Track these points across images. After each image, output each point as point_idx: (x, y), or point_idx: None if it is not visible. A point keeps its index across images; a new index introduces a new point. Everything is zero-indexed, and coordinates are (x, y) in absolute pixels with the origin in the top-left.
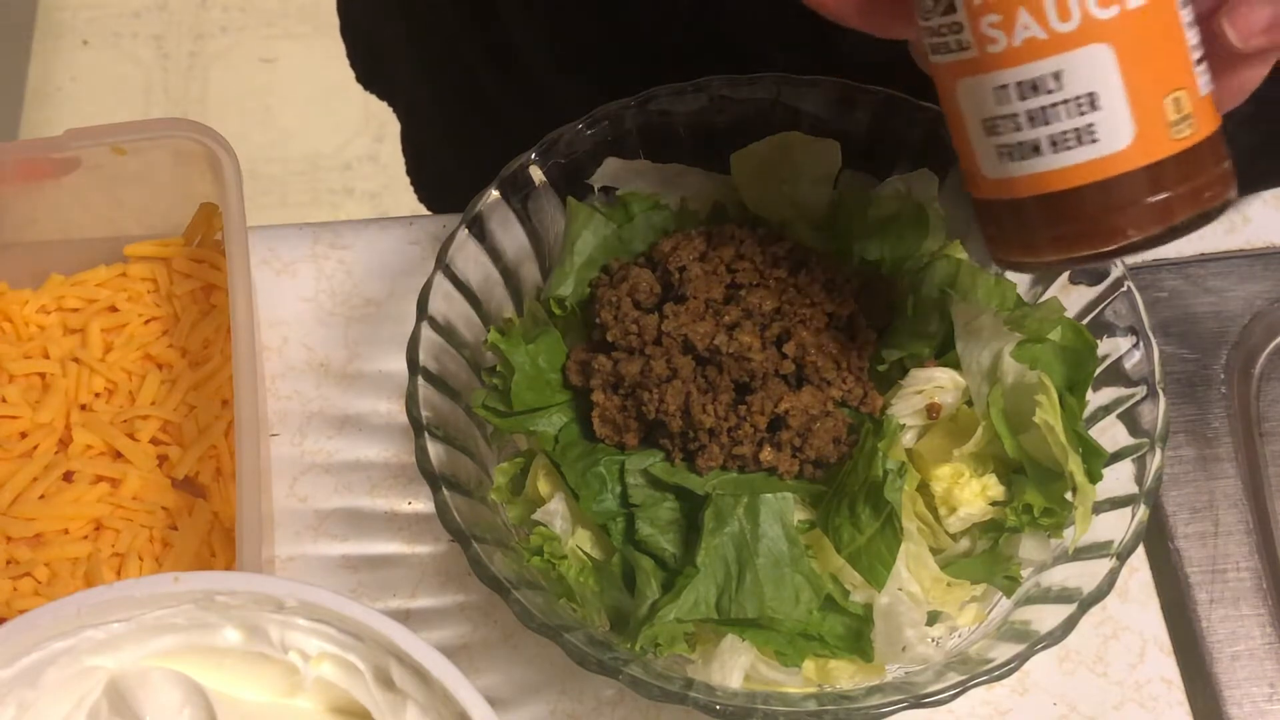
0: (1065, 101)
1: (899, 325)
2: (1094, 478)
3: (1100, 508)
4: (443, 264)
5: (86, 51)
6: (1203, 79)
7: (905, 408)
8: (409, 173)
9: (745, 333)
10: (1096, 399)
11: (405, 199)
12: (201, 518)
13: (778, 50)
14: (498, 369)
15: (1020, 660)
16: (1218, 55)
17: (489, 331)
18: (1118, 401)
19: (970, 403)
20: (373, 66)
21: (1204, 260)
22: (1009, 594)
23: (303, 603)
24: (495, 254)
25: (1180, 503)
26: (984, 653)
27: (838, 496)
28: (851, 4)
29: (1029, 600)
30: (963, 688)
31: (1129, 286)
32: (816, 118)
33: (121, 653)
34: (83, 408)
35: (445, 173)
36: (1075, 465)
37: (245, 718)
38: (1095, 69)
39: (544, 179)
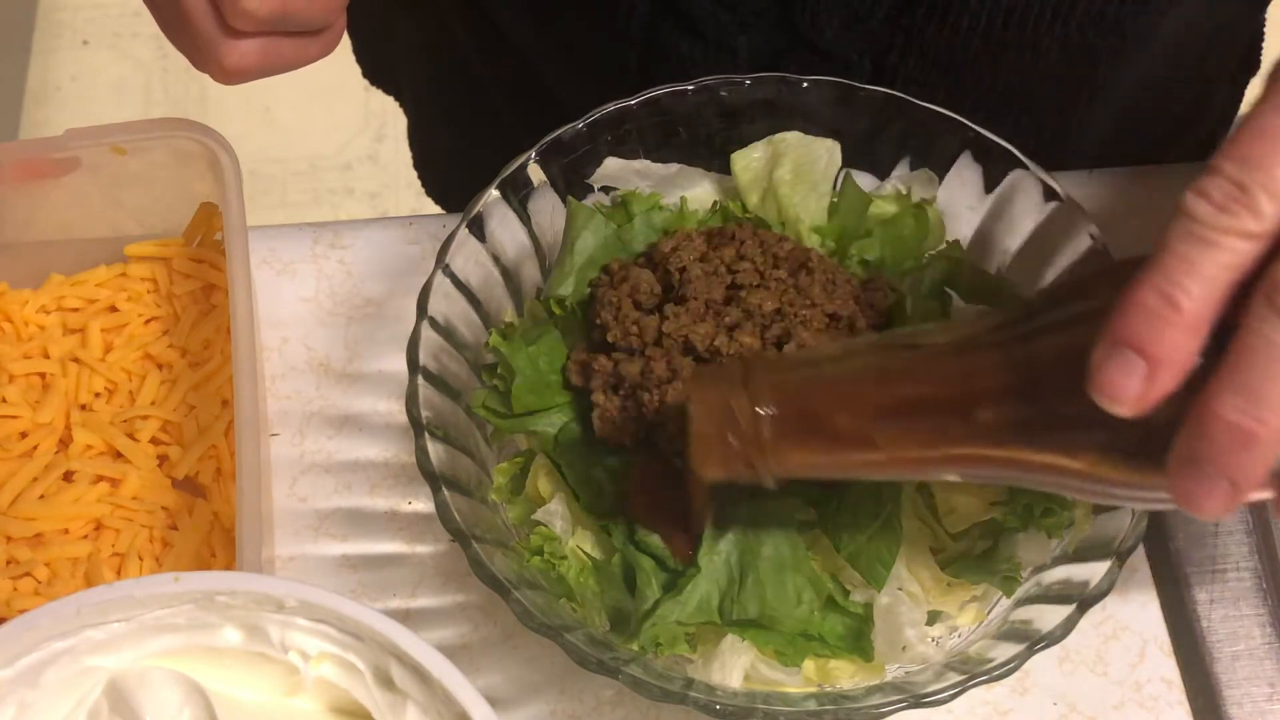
0: None
1: (899, 325)
2: None
3: (1100, 508)
4: (443, 264)
5: (86, 51)
6: None
7: None
8: (416, 169)
9: (746, 334)
10: None
11: (405, 199)
12: (201, 518)
13: (739, 31)
14: (499, 370)
15: (1020, 660)
16: None
17: (490, 334)
18: None
19: None
20: (379, 63)
21: None
22: (1009, 594)
23: (303, 603)
24: (495, 254)
25: None
26: (984, 653)
27: (838, 497)
28: None
29: (1029, 600)
30: (963, 688)
31: None
32: (816, 117)
33: (121, 653)
34: (83, 408)
35: (452, 169)
36: None
37: (245, 718)
38: None
39: (544, 179)
